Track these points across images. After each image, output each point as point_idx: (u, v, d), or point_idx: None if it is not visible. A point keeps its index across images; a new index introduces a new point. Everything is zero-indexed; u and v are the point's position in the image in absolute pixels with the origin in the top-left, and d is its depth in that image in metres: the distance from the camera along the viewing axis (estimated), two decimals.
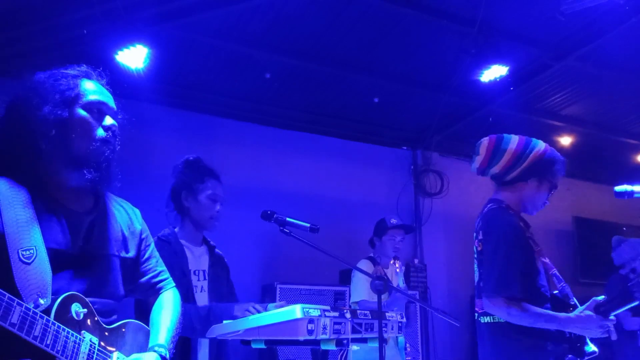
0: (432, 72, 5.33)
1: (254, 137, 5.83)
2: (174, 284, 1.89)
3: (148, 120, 5.10)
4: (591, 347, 2.33)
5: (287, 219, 2.22)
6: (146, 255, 1.82)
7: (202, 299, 2.50)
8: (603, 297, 2.29)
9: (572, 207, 7.46)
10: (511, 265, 2.25)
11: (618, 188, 2.25)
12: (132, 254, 1.74)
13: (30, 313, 1.31)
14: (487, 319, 2.37)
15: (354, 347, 2.05)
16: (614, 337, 2.32)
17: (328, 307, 1.90)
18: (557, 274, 2.42)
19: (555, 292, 2.39)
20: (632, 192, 2.23)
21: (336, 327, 1.89)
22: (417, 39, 4.81)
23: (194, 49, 4.79)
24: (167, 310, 1.78)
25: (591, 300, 2.28)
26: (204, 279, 2.56)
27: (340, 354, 3.74)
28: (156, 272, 1.84)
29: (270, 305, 2.29)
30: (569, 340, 2.31)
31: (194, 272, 2.53)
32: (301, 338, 1.80)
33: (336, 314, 1.91)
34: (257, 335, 1.92)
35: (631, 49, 4.90)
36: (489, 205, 2.50)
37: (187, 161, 2.65)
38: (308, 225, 2.19)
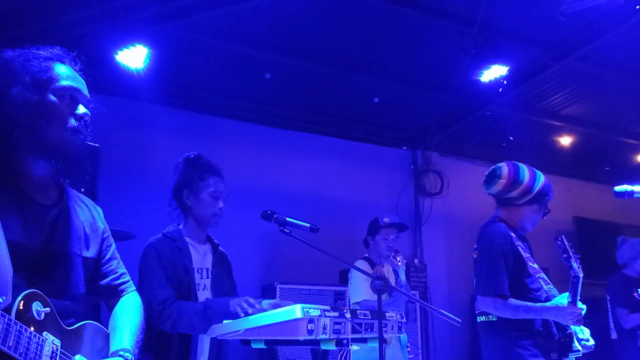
0: (432, 72, 5.33)
1: (254, 137, 5.83)
2: (134, 287, 1.80)
3: (148, 120, 5.12)
4: (577, 346, 2.55)
5: (287, 219, 2.21)
6: (107, 256, 1.72)
7: (204, 296, 2.49)
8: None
9: (572, 207, 7.46)
10: (496, 267, 2.59)
11: (618, 188, 2.27)
12: (93, 253, 1.64)
13: None
14: (482, 318, 2.67)
15: (354, 347, 2.05)
16: (614, 336, 2.45)
17: (328, 307, 1.90)
18: (545, 277, 2.67)
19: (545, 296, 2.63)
20: (632, 192, 2.25)
21: (336, 327, 1.89)
22: (417, 39, 4.81)
23: (194, 49, 4.79)
24: (130, 313, 1.69)
25: (561, 295, 2.53)
26: (207, 277, 2.56)
27: (340, 354, 3.75)
28: (118, 274, 1.74)
29: (264, 301, 2.27)
30: (557, 339, 2.55)
31: (198, 270, 2.52)
32: (301, 338, 1.80)
33: (336, 314, 1.91)
34: (257, 335, 1.91)
35: (631, 49, 4.90)
36: (486, 221, 2.84)
37: (188, 159, 2.63)
38: (308, 225, 2.19)
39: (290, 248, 4.55)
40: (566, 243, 2.54)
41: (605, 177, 7.51)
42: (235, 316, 2.13)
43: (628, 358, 4.60)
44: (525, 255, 2.64)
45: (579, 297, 2.46)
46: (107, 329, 1.64)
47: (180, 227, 2.59)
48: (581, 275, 2.47)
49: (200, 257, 2.57)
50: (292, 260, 5.23)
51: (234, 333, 1.96)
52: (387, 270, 4.00)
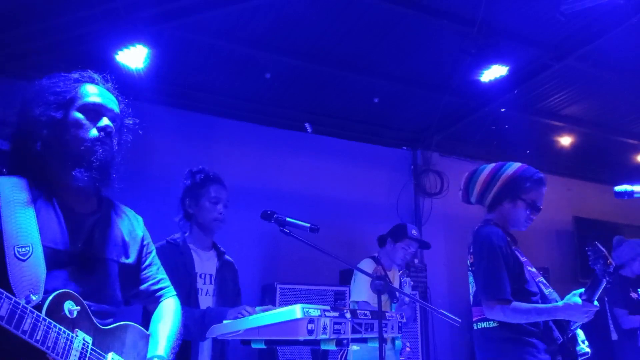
0: (432, 72, 5.32)
1: (254, 137, 5.83)
2: (174, 292, 1.88)
3: (148, 120, 5.11)
4: (584, 349, 2.45)
5: (287, 219, 2.23)
6: (147, 263, 1.81)
7: (206, 302, 2.53)
8: (583, 289, 2.41)
9: (572, 207, 7.46)
10: (497, 271, 2.47)
11: (618, 188, 2.26)
12: (132, 260, 1.73)
13: (20, 307, 1.30)
14: (483, 325, 2.55)
15: (354, 347, 2.05)
16: (614, 337, 2.39)
17: (328, 307, 1.90)
18: (544, 281, 2.58)
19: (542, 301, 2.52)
20: (632, 192, 2.24)
21: (336, 327, 1.89)
22: (417, 39, 4.81)
23: (194, 49, 4.79)
24: (167, 319, 1.77)
25: (572, 293, 2.41)
26: (211, 282, 2.60)
27: (340, 354, 3.75)
28: (156, 280, 1.82)
29: (257, 308, 2.31)
30: (562, 344, 2.43)
31: (200, 275, 2.57)
32: (301, 338, 1.80)
33: (336, 314, 1.91)
34: (257, 335, 1.92)
35: (631, 49, 4.90)
36: (478, 225, 2.71)
37: (190, 171, 2.75)
38: (308, 225, 2.20)
39: (290, 248, 4.55)
40: (602, 249, 2.38)
41: (605, 177, 7.51)
42: None
43: (628, 359, 4.60)
44: (523, 259, 2.55)
45: (596, 297, 2.36)
46: (148, 331, 1.71)
47: (186, 235, 2.68)
48: (607, 279, 2.34)
49: (204, 262, 2.62)
50: (292, 260, 5.23)
51: (234, 333, 1.96)
52: (392, 275, 3.98)
